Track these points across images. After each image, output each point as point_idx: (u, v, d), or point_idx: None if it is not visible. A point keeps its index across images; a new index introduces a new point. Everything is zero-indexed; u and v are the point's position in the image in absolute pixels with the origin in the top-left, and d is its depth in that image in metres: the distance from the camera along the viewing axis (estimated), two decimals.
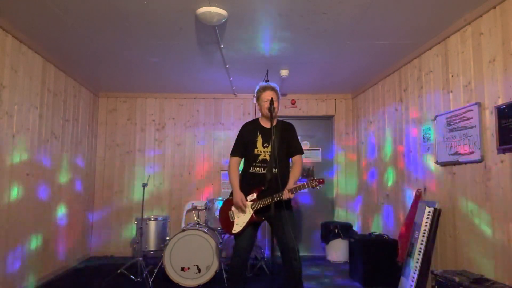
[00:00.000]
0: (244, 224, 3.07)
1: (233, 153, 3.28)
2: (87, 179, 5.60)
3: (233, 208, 3.16)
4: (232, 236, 3.23)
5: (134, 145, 6.04)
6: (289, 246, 2.96)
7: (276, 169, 2.92)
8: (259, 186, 3.09)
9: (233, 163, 3.26)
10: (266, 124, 3.23)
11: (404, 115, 4.41)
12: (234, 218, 3.13)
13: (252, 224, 3.10)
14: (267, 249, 5.66)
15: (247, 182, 3.17)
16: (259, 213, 3.08)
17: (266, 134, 3.16)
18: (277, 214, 2.89)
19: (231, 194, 3.22)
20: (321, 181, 2.95)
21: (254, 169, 3.15)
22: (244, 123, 3.42)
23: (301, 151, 3.24)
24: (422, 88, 4.00)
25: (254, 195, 3.10)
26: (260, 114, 3.32)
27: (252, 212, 3.07)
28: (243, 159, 3.30)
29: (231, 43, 3.97)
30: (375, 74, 5.02)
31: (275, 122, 3.16)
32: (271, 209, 2.74)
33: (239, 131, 3.33)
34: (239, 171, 3.29)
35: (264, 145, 3.16)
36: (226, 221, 3.17)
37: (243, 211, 3.10)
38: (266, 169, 3.08)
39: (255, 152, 3.16)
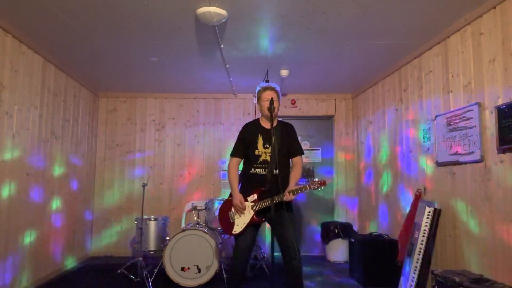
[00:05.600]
0: (244, 225, 3.07)
1: (233, 154, 3.27)
2: (87, 179, 5.60)
3: (233, 209, 3.15)
4: (232, 236, 3.22)
5: (134, 145, 6.04)
6: (289, 246, 2.96)
7: (277, 170, 2.91)
8: (259, 187, 3.08)
9: (233, 164, 3.25)
10: (266, 124, 3.22)
11: (404, 115, 4.40)
12: (235, 219, 3.12)
13: (253, 225, 3.10)
14: (267, 249, 5.66)
15: (248, 183, 3.17)
16: (260, 214, 3.08)
17: (267, 135, 3.15)
18: (277, 215, 2.89)
19: (231, 194, 3.21)
20: (323, 183, 2.94)
21: (255, 170, 3.14)
22: (244, 123, 3.40)
23: (301, 152, 3.24)
24: (422, 88, 4.00)
25: (255, 196, 3.09)
26: (260, 114, 3.32)
27: (253, 213, 3.07)
28: (243, 160, 3.29)
29: (231, 43, 3.97)
30: (375, 74, 5.02)
31: (275, 123, 3.16)
32: (271, 210, 2.74)
33: (240, 131, 3.32)
34: (239, 171, 3.28)
35: (265, 146, 3.15)
36: (226, 222, 3.16)
37: (243, 212, 3.10)
38: (266, 170, 3.07)
39: (256, 153, 3.15)
